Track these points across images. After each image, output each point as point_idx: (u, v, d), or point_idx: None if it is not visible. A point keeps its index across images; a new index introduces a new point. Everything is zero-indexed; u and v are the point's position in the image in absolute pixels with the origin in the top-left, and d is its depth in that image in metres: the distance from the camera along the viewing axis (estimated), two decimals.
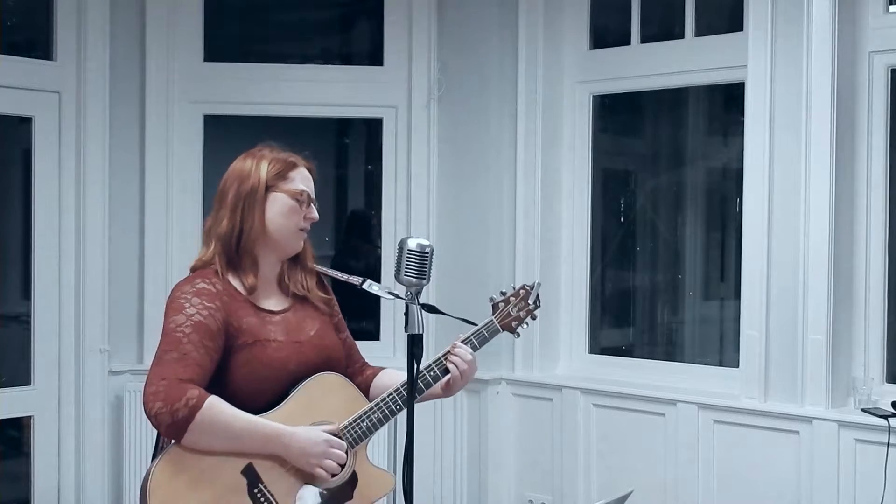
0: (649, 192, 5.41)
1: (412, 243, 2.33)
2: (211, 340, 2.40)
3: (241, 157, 2.60)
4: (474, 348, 2.66)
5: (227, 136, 5.14)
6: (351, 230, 5.77)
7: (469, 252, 5.01)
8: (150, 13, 4.94)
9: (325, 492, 2.46)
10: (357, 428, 2.52)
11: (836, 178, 4.09)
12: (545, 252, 4.98)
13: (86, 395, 4.85)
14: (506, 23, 4.99)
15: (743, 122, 4.35)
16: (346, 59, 5.85)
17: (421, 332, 2.32)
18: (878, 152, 4.18)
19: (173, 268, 4.88)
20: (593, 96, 5.05)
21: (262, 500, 2.40)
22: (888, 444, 3.89)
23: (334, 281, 2.73)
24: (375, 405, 2.54)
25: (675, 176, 5.31)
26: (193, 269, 2.56)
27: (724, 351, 4.91)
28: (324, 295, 2.68)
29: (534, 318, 2.79)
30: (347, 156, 6.09)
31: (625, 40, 4.91)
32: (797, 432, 4.14)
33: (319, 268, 2.70)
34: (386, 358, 4.81)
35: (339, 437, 2.48)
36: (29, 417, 4.80)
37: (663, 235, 5.30)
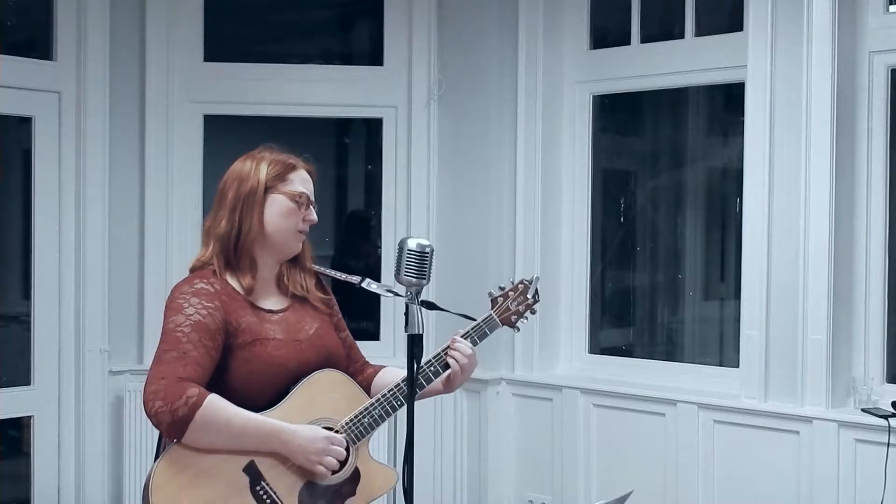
0: (649, 192, 5.41)
1: (412, 243, 2.34)
2: (210, 339, 2.41)
3: (242, 158, 2.61)
4: (474, 343, 2.66)
5: (227, 136, 5.14)
6: (351, 230, 5.78)
7: (469, 252, 5.01)
8: (150, 13, 4.94)
9: (327, 488, 2.46)
10: (358, 424, 2.52)
11: (836, 178, 4.09)
12: (545, 252, 4.98)
13: (86, 395, 4.85)
14: (506, 23, 4.99)
15: (743, 122, 4.35)
16: (346, 59, 5.85)
17: (421, 332, 2.33)
18: (878, 152, 4.18)
19: (173, 267, 4.88)
20: (593, 96, 5.05)
21: (265, 497, 2.41)
22: (888, 444, 3.89)
23: (334, 281, 2.73)
24: (376, 401, 2.54)
25: (675, 176, 5.31)
26: (192, 270, 2.56)
27: (724, 351, 4.91)
28: (323, 295, 2.68)
29: (533, 312, 2.79)
30: (347, 156, 6.09)
31: (625, 40, 4.91)
32: (797, 432, 4.15)
33: (318, 268, 2.70)
34: (386, 358, 4.78)
35: (340, 434, 2.49)
36: (29, 417, 4.80)
37: (663, 235, 5.30)
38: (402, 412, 2.44)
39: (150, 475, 2.35)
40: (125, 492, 4.81)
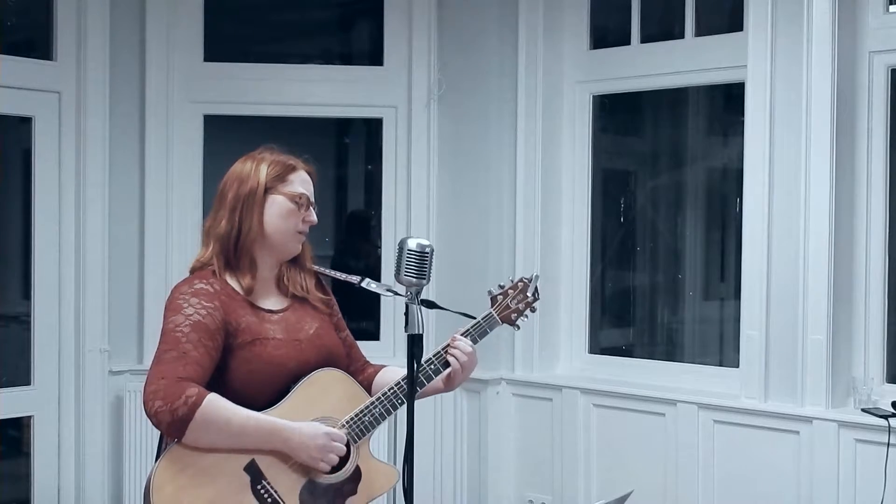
0: (649, 192, 5.41)
1: (412, 243, 2.34)
2: (210, 339, 2.41)
3: (242, 158, 2.61)
4: (474, 341, 2.67)
5: (227, 136, 5.15)
6: (351, 230, 5.78)
7: (469, 252, 5.01)
8: (150, 13, 4.94)
9: (328, 487, 2.46)
10: (359, 423, 2.52)
11: (836, 178, 4.09)
12: (545, 252, 4.98)
13: (86, 395, 4.85)
14: (506, 23, 4.99)
15: (743, 122, 4.35)
16: (346, 59, 5.85)
17: (421, 332, 2.33)
18: (878, 152, 4.18)
19: (173, 267, 4.88)
20: (593, 96, 5.05)
21: (266, 496, 2.41)
22: (888, 444, 3.89)
23: (334, 281, 2.73)
24: (377, 399, 2.54)
25: (675, 176, 5.31)
26: (192, 270, 2.57)
27: (724, 351, 4.91)
28: (322, 295, 2.69)
29: (533, 310, 2.80)
30: (347, 156, 6.09)
31: (625, 40, 4.91)
32: (797, 432, 4.15)
33: (317, 268, 2.71)
34: (386, 358, 4.76)
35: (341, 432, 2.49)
36: (29, 417, 4.80)
37: (663, 235, 5.30)
38: (402, 411, 2.44)
39: (150, 475, 2.35)
40: (125, 492, 4.81)
